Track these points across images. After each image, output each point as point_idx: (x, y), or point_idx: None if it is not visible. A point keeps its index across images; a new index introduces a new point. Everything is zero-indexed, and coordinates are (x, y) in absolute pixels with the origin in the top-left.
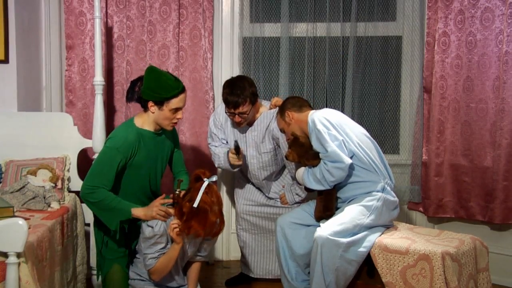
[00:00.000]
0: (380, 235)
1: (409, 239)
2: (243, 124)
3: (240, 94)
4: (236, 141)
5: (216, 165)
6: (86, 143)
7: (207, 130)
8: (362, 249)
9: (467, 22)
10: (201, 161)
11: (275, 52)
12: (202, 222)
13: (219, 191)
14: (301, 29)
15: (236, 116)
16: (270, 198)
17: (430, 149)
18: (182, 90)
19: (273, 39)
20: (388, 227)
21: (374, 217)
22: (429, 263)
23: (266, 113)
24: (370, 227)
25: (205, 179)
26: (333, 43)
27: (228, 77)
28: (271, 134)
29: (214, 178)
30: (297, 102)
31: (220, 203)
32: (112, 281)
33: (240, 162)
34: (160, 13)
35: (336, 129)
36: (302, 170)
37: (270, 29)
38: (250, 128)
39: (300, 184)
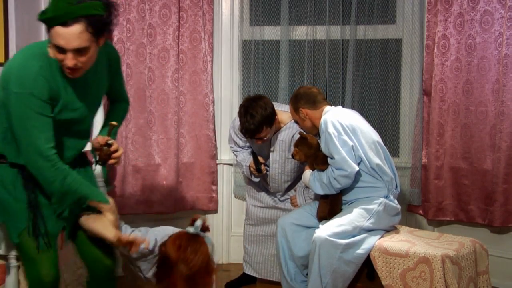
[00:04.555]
0: (379, 238)
1: (409, 242)
2: (264, 141)
3: (254, 123)
4: (253, 152)
5: (241, 172)
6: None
7: (207, 133)
8: (361, 251)
9: (466, 25)
10: (201, 165)
11: (275, 55)
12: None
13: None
14: (301, 32)
15: (255, 140)
16: (281, 201)
17: (429, 152)
18: (72, 19)
19: (273, 42)
20: (388, 230)
21: (374, 220)
22: (429, 266)
23: (292, 123)
24: (369, 230)
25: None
26: (333, 46)
27: (228, 80)
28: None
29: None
30: (311, 97)
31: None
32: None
33: (262, 174)
34: (160, 16)
35: (347, 134)
36: (308, 173)
37: (270, 32)
38: (275, 135)
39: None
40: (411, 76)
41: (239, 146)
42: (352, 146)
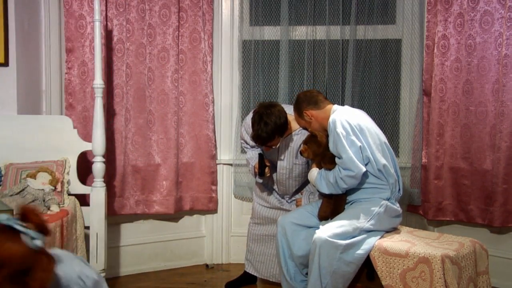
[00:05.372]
0: (379, 238)
1: (409, 242)
2: (273, 148)
3: (267, 131)
4: (260, 154)
5: (249, 170)
6: (86, 146)
7: (207, 133)
8: (361, 252)
9: (466, 25)
10: (201, 165)
11: (274, 55)
12: None
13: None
14: (301, 32)
15: (265, 147)
16: (288, 203)
17: (429, 152)
18: None
19: (273, 42)
20: (388, 231)
21: (374, 222)
22: (428, 266)
23: (302, 131)
24: (369, 231)
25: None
26: (332, 46)
27: (228, 80)
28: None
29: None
30: (312, 98)
31: None
32: None
33: (264, 177)
34: (160, 16)
35: (356, 134)
36: (315, 171)
37: (269, 32)
38: (284, 140)
39: (314, 187)
40: (411, 76)
41: (248, 144)
42: (360, 146)
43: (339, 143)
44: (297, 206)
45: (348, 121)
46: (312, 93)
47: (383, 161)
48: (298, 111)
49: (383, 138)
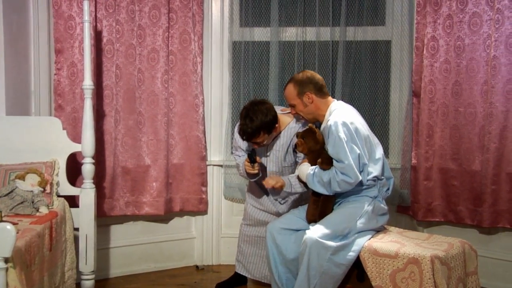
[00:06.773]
0: (369, 239)
1: (399, 242)
2: (262, 145)
3: (252, 127)
4: (252, 150)
5: (239, 174)
6: (75, 148)
7: (197, 134)
8: (351, 253)
9: (455, 27)
10: (191, 166)
11: (264, 57)
12: None
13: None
14: (291, 33)
15: (252, 143)
16: (281, 204)
17: (419, 153)
18: None
19: (263, 44)
20: (377, 231)
21: (364, 220)
22: (418, 266)
23: (290, 128)
24: (359, 231)
25: None
26: (322, 48)
27: (218, 81)
28: (292, 148)
29: None
30: (318, 84)
31: None
32: None
33: (256, 171)
34: (150, 17)
35: (355, 141)
36: (307, 166)
37: (259, 34)
38: (272, 143)
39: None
40: (400, 78)
41: (242, 150)
42: (359, 154)
43: (341, 149)
44: (265, 180)
45: (349, 125)
46: (320, 79)
47: (374, 172)
48: (300, 89)
49: (375, 138)
